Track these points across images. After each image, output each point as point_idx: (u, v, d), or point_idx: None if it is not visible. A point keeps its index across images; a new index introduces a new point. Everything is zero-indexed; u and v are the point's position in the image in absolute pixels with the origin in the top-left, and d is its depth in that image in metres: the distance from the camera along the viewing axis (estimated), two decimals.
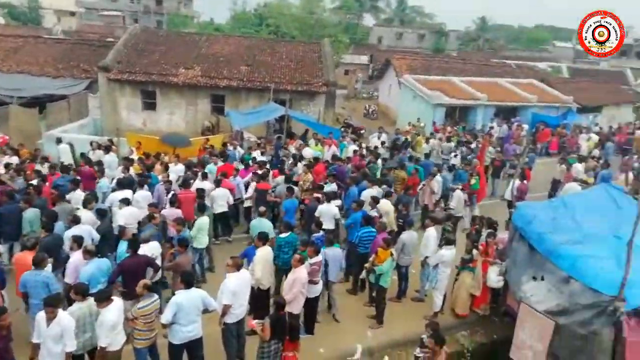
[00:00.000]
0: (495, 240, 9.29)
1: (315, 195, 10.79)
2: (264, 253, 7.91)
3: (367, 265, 8.79)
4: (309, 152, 14.87)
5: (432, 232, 9.05)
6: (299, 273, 7.35)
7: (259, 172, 11.70)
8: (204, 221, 9.15)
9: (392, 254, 8.36)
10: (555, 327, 6.43)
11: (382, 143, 17.45)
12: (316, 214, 10.09)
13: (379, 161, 14.53)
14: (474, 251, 8.90)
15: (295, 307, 7.45)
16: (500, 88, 28.33)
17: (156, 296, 6.55)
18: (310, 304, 7.96)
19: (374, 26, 61.28)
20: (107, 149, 13.72)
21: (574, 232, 7.85)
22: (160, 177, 11.19)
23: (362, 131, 23.53)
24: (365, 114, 31.05)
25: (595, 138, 21.94)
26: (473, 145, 17.85)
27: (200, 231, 9.07)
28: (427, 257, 8.96)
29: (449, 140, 19.13)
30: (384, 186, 11.62)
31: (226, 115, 19.42)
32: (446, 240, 8.85)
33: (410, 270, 9.44)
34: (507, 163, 16.61)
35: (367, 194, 10.97)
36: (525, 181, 13.67)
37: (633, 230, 6.10)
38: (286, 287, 7.40)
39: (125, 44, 22.54)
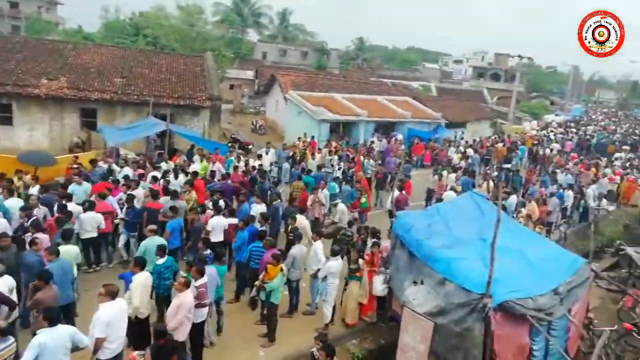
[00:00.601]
0: (380, 249, 9.72)
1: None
2: (142, 278, 7.31)
3: (257, 283, 8.60)
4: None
5: (319, 245, 9.16)
6: (184, 298, 6.89)
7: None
8: (66, 250, 8.06)
9: (282, 270, 8.28)
10: (435, 327, 6.85)
11: (271, 163, 17.44)
12: (208, 227, 9.81)
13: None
14: (360, 261, 9.20)
15: (181, 334, 6.97)
16: (378, 105, 30.22)
17: (12, 339, 5.65)
18: (197, 329, 7.51)
19: (258, 42, 61.59)
20: None
21: (447, 237, 8.52)
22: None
23: (250, 146, 23.31)
24: (252, 129, 30.84)
25: (470, 151, 24.26)
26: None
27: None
28: (318, 270, 9.04)
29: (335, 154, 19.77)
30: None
31: (99, 130, 17.84)
32: (332, 251, 9.00)
33: (301, 284, 9.45)
34: (389, 175, 17.63)
35: (257, 210, 10.81)
36: (404, 192, 14.59)
37: (494, 232, 6.74)
38: (170, 314, 6.88)
39: None
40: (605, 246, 15.26)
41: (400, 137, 25.62)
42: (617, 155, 29.67)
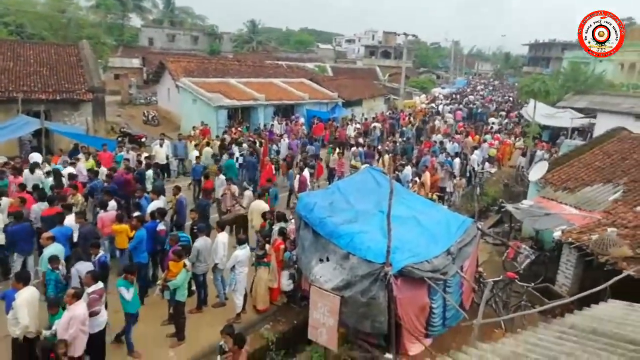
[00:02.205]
0: (288, 231, 9.76)
1: None
2: (27, 294, 6.58)
3: (159, 282, 8.21)
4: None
5: (221, 238, 8.93)
6: (75, 310, 6.33)
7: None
8: None
9: (185, 265, 7.95)
10: (342, 300, 7.04)
11: (167, 156, 16.57)
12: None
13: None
14: (267, 246, 9.15)
15: (78, 349, 6.42)
16: (276, 88, 30.03)
17: None
18: (96, 340, 6.96)
19: (142, 27, 57.54)
20: None
21: (348, 213, 8.79)
22: None
23: (143, 139, 21.89)
24: (145, 120, 29.02)
25: (377, 125, 25.12)
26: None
27: None
28: (217, 264, 8.86)
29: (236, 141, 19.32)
30: None
31: None
32: (238, 240, 8.86)
33: (209, 277, 9.18)
34: (297, 157, 17.67)
35: (154, 205, 10.22)
36: (307, 173, 14.73)
37: (389, 203, 7.05)
38: (61, 329, 6.29)
39: None
40: (490, 205, 16.88)
41: (302, 120, 25.77)
42: (491, 120, 32.76)
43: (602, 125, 21.27)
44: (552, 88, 26.85)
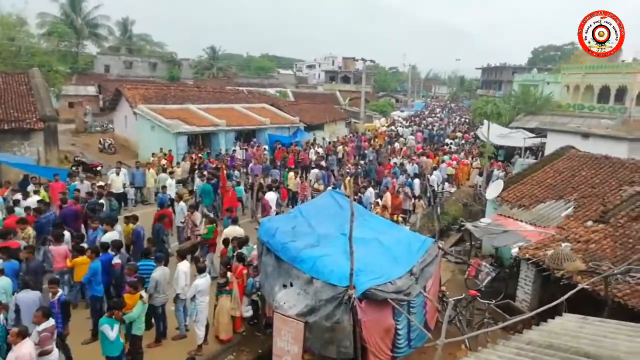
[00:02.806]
0: (250, 259, 9.59)
1: None
2: None
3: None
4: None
5: (182, 267, 8.65)
6: (20, 349, 5.93)
7: None
8: None
9: (141, 297, 7.62)
10: (306, 326, 6.91)
11: (124, 185, 16.08)
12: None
13: None
14: (229, 274, 8.93)
15: None
16: (237, 113, 29.94)
17: None
18: None
19: (98, 54, 56.37)
20: None
21: (311, 237, 8.73)
22: None
23: (98, 167, 21.16)
24: (101, 149, 28.14)
25: (340, 148, 25.34)
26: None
27: None
28: (178, 294, 8.55)
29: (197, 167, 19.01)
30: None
31: None
32: (198, 269, 8.61)
33: (169, 308, 8.83)
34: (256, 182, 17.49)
35: (108, 237, 9.80)
36: (272, 196, 14.62)
37: (350, 226, 7.04)
38: None
39: None
40: (451, 224, 17.22)
41: (264, 147, 25.69)
42: (448, 140, 33.82)
43: (552, 144, 22.32)
44: (503, 110, 28.20)
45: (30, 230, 10.29)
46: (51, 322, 6.72)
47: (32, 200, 12.45)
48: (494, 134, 25.01)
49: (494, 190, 14.18)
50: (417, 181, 18.30)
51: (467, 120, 52.25)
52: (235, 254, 9.63)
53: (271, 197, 14.60)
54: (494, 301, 9.53)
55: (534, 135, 28.39)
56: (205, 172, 16.94)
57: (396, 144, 30.38)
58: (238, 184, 16.76)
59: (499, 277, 11.50)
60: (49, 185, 14.28)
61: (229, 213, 13.26)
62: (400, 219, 13.76)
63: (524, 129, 30.10)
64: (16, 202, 12.27)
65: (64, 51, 48.78)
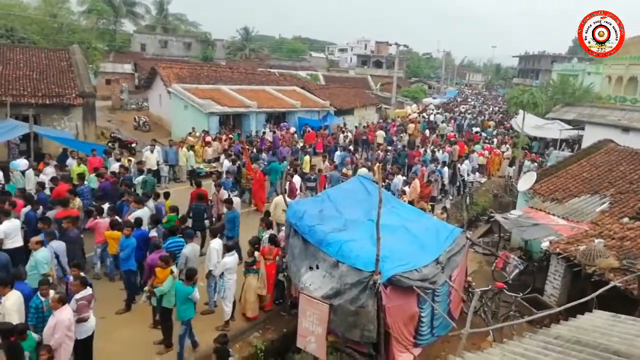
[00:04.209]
0: (277, 239, 9.74)
1: None
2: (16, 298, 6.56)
3: (146, 288, 8.14)
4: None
5: (215, 244, 8.88)
6: (60, 315, 6.27)
7: None
8: None
9: (172, 272, 7.88)
10: (331, 308, 7.02)
11: (158, 162, 16.48)
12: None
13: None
14: (256, 253, 9.11)
15: (63, 355, 6.34)
16: (268, 95, 30.08)
17: None
18: (83, 346, 6.87)
19: (135, 33, 57.41)
20: None
21: (338, 221, 8.78)
22: None
23: (133, 144, 21.75)
24: (135, 126, 28.87)
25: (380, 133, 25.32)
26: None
27: None
28: (210, 270, 8.78)
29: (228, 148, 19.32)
30: None
31: None
32: (227, 247, 8.81)
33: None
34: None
35: (137, 214, 10.09)
36: (297, 179, 14.74)
37: (378, 212, 7.06)
38: (46, 334, 6.23)
39: None
40: (480, 215, 16.98)
41: (293, 129, 25.79)
42: (476, 129, 33.03)
43: (590, 137, 21.58)
44: (540, 100, 27.28)
45: (78, 201, 10.75)
46: (88, 290, 7.05)
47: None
48: (529, 124, 24.31)
49: (526, 182, 13.87)
50: (446, 169, 18.07)
51: (501, 109, 50.93)
52: (267, 235, 9.77)
53: (297, 180, 14.73)
54: (521, 294, 9.42)
55: (571, 127, 27.45)
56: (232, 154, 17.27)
57: (427, 131, 29.96)
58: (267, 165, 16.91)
59: (527, 271, 11.33)
60: (87, 159, 14.78)
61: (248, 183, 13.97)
62: (428, 207, 13.65)
63: (561, 120, 29.13)
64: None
65: (102, 29, 49.93)
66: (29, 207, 9.86)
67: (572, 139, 26.82)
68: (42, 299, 6.70)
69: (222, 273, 8.56)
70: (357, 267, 7.30)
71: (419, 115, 41.05)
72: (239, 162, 16.17)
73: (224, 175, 14.46)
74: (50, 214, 9.56)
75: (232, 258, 8.64)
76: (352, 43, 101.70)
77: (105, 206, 10.35)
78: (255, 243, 9.45)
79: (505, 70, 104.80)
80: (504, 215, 12.39)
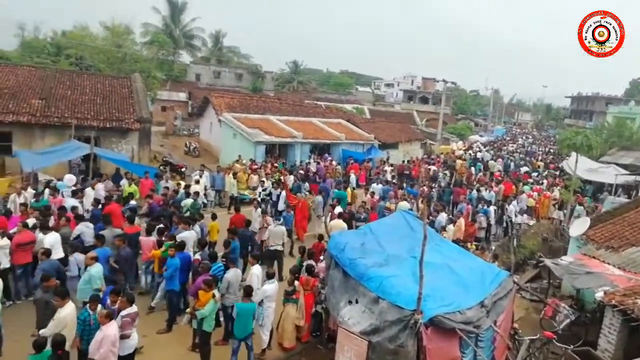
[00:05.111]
0: (317, 270, 9.73)
1: None
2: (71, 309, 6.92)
3: (188, 310, 8.30)
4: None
5: (256, 270, 8.98)
6: (107, 330, 6.49)
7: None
8: None
9: (214, 296, 8.01)
10: (369, 345, 6.87)
11: (205, 187, 17.03)
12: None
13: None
14: (296, 283, 9.12)
15: None
16: (313, 127, 30.63)
17: None
18: None
19: (191, 63, 60.55)
20: None
21: (379, 256, 8.67)
22: None
23: (183, 169, 22.63)
24: (186, 151, 30.08)
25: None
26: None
27: None
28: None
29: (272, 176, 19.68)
30: None
31: (14, 155, 16.56)
32: (267, 274, 8.87)
33: None
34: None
35: (184, 236, 10.38)
36: (337, 210, 14.75)
37: (422, 249, 6.94)
38: (93, 348, 6.44)
39: None
40: (527, 258, 16.28)
41: (335, 161, 25.98)
42: (525, 169, 31.93)
43: None
44: (594, 142, 26.29)
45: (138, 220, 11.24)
46: (134, 308, 7.27)
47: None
48: (582, 167, 23.38)
49: (579, 227, 13.23)
50: (492, 209, 17.57)
51: (551, 150, 49.32)
52: (304, 265, 9.79)
53: (338, 210, 14.76)
54: (572, 346, 8.86)
55: (627, 172, 26.15)
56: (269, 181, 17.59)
57: (472, 169, 29.37)
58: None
59: (579, 322, 10.67)
60: (140, 181, 15.48)
61: (289, 210, 14.03)
62: (473, 247, 13.27)
63: (617, 164, 27.84)
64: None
65: (162, 59, 52.87)
66: (84, 224, 10.37)
67: (629, 185, 25.50)
68: (91, 312, 6.96)
69: (262, 300, 8.60)
70: (398, 304, 7.14)
71: (465, 153, 40.37)
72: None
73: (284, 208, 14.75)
74: (82, 231, 10.01)
75: (272, 286, 8.68)
76: (398, 78, 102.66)
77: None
78: (295, 272, 9.49)
79: (556, 111, 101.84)
80: (555, 260, 11.82)
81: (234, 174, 18.53)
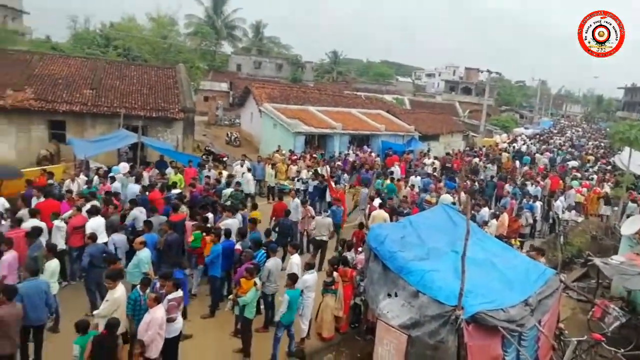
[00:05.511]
0: (355, 262, 9.75)
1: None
2: (122, 291, 7.28)
3: (230, 296, 8.52)
4: None
5: (295, 259, 9.09)
6: (155, 313, 6.76)
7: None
8: (55, 264, 8.07)
9: (255, 284, 8.18)
10: (409, 339, 6.84)
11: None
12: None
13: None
14: (335, 274, 9.17)
15: (154, 351, 6.82)
16: (353, 117, 30.48)
17: None
18: (171, 345, 7.33)
19: (232, 54, 61.53)
20: None
21: (420, 249, 8.57)
22: None
23: (224, 158, 23.11)
24: (227, 141, 30.67)
25: (436, 163, 24.67)
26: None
27: (53, 276, 8.00)
28: None
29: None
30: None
31: (68, 143, 17.43)
32: (306, 265, 8.96)
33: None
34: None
35: (227, 223, 10.65)
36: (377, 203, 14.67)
37: (464, 244, 6.81)
38: (141, 330, 6.74)
39: None
40: (575, 257, 15.66)
41: (374, 153, 25.78)
42: (573, 163, 30.49)
43: None
44: None
45: (185, 208, 11.58)
46: (179, 293, 7.54)
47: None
48: (635, 162, 22.17)
49: (631, 225, 12.60)
50: (538, 205, 16.98)
51: (602, 144, 46.98)
52: (341, 256, 9.83)
53: (376, 203, 14.65)
54: (622, 350, 8.50)
55: None
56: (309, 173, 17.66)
57: (517, 163, 28.42)
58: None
59: (630, 324, 10.19)
60: (184, 169, 15.93)
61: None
62: (517, 243, 12.88)
63: None
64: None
65: (204, 50, 54.00)
66: (137, 209, 10.82)
67: None
68: (141, 293, 7.28)
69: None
70: (438, 299, 7.05)
71: (509, 146, 39.09)
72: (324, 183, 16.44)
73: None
74: (154, 219, 10.39)
75: (312, 276, 8.77)
76: (440, 68, 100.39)
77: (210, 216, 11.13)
78: (335, 263, 9.53)
79: (608, 102, 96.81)
80: (604, 260, 11.30)
81: (273, 164, 18.74)
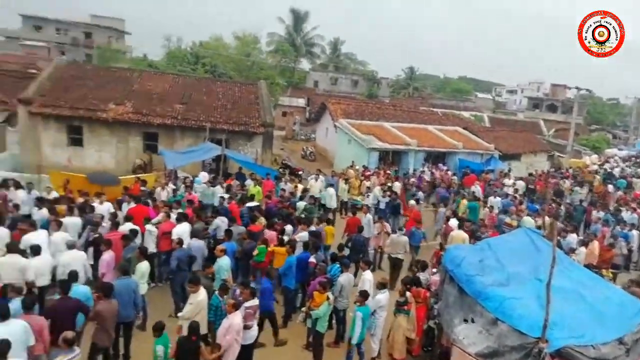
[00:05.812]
0: (428, 283, 9.54)
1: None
2: (204, 295, 7.67)
3: (304, 309, 8.69)
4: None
5: (367, 276, 9.08)
6: (233, 319, 7.08)
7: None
8: (146, 266, 8.72)
9: (328, 298, 8.28)
10: None
11: (320, 190, 17.66)
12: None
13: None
14: (408, 294, 9.03)
15: (231, 356, 7.12)
16: (429, 134, 29.95)
17: (77, 350, 5.97)
18: (246, 351, 7.62)
19: (310, 70, 63.27)
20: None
21: (500, 274, 8.18)
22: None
23: (300, 172, 23.70)
24: (303, 155, 31.42)
25: (520, 184, 23.46)
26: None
27: (143, 277, 8.66)
28: None
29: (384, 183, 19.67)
30: None
31: (159, 153, 18.85)
32: (379, 284, 8.89)
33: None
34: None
35: (301, 236, 10.92)
36: (453, 223, 14.25)
37: (550, 272, 6.45)
38: (220, 335, 7.09)
39: (50, 76, 21.50)
40: None
41: (450, 171, 25.08)
42: None
43: None
44: None
45: (263, 219, 12.06)
46: (256, 301, 7.82)
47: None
48: None
49: None
50: (635, 233, 15.55)
51: None
52: (414, 276, 9.67)
53: (453, 223, 14.23)
54: None
55: None
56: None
57: (610, 186, 26.23)
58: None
59: None
60: (262, 182, 16.58)
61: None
62: (609, 274, 11.88)
63: None
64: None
65: (284, 66, 56.03)
66: (219, 218, 11.47)
67: None
68: (221, 299, 7.66)
69: (374, 310, 8.66)
70: (519, 329, 6.71)
71: (600, 168, 36.20)
72: (397, 200, 16.29)
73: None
74: (233, 228, 10.92)
75: (384, 295, 8.70)
76: (522, 84, 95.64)
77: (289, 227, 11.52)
78: (408, 283, 9.40)
79: None
80: None
81: (346, 180, 18.88)
